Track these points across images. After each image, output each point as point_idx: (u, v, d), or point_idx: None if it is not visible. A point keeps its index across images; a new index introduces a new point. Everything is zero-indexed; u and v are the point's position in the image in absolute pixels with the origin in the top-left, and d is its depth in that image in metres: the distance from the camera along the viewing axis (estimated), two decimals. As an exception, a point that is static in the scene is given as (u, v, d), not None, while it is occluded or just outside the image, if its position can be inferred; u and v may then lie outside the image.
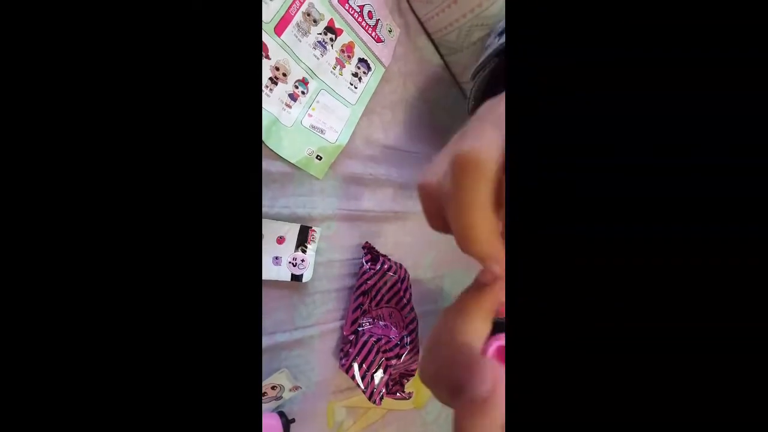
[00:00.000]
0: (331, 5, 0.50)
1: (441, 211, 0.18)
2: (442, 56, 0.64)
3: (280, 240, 0.48)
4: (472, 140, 0.15)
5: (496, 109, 0.17)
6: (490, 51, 0.37)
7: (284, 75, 0.47)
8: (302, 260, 0.49)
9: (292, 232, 0.48)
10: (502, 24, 0.46)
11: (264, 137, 0.45)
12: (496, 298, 0.17)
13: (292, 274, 0.48)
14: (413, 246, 0.64)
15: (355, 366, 0.47)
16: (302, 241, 0.49)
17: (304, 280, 0.49)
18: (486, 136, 0.15)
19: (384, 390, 0.48)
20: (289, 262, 0.48)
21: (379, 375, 0.47)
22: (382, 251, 0.57)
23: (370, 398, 0.47)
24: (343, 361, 0.48)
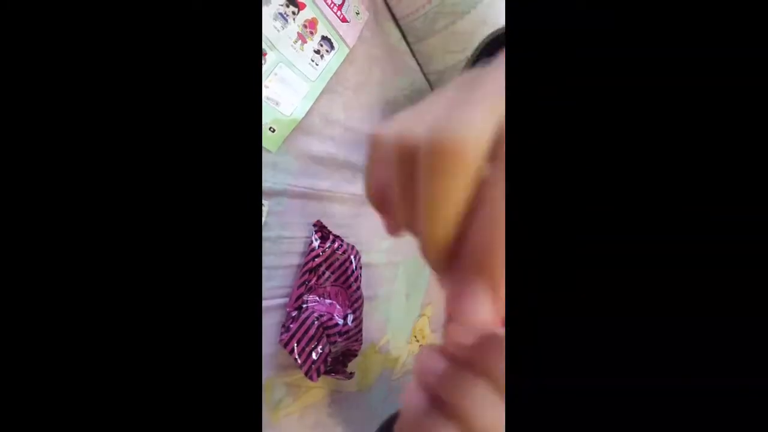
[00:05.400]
0: (295, -22, 0.49)
1: (387, 183, 0.16)
2: (408, 44, 0.65)
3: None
4: (457, 122, 0.12)
5: (493, 78, 0.14)
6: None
7: (240, 43, 0.47)
8: (248, 232, 0.48)
9: (239, 202, 0.47)
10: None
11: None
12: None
13: (236, 245, 0.47)
14: (369, 230, 0.64)
15: (295, 341, 0.47)
16: (250, 213, 0.48)
17: (248, 252, 0.48)
18: (476, 117, 0.12)
19: (322, 366, 0.47)
20: (234, 233, 0.47)
21: (318, 351, 0.47)
22: (336, 233, 0.57)
23: (306, 374, 0.47)
24: (284, 336, 0.48)
